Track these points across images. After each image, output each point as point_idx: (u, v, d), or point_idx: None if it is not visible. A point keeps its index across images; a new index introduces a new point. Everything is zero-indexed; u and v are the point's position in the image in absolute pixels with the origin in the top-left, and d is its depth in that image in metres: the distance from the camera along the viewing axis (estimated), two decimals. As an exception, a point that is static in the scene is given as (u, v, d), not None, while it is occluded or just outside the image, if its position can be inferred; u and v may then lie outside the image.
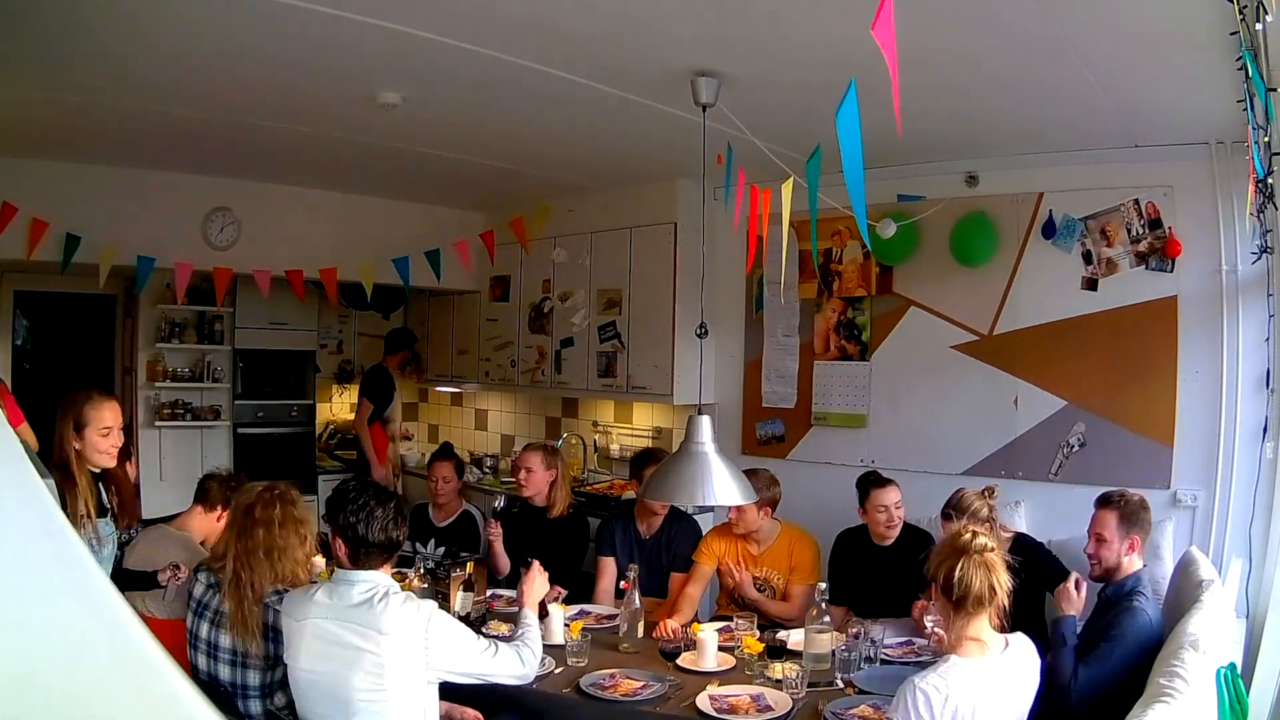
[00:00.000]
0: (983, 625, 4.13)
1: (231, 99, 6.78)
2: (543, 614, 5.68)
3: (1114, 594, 5.38)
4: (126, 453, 7.13)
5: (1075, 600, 5.52)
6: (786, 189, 5.41)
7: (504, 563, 7.49)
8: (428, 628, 4.25)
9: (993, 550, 4.16)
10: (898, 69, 3.11)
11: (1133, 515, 5.47)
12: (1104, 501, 5.65)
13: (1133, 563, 5.42)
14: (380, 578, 4.44)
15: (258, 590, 4.78)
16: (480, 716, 5.06)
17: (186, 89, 6.56)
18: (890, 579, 6.38)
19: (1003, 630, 4.24)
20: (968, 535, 4.19)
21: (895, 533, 6.69)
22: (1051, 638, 5.31)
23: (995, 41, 5.23)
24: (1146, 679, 4.73)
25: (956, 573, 4.07)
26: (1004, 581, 4.12)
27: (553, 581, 6.38)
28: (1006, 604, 4.22)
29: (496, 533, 7.45)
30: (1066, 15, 4.84)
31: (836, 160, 3.94)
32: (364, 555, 4.43)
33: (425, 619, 4.27)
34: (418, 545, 7.71)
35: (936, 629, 5.52)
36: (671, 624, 6.25)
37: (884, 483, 6.76)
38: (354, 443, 12.96)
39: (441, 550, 7.56)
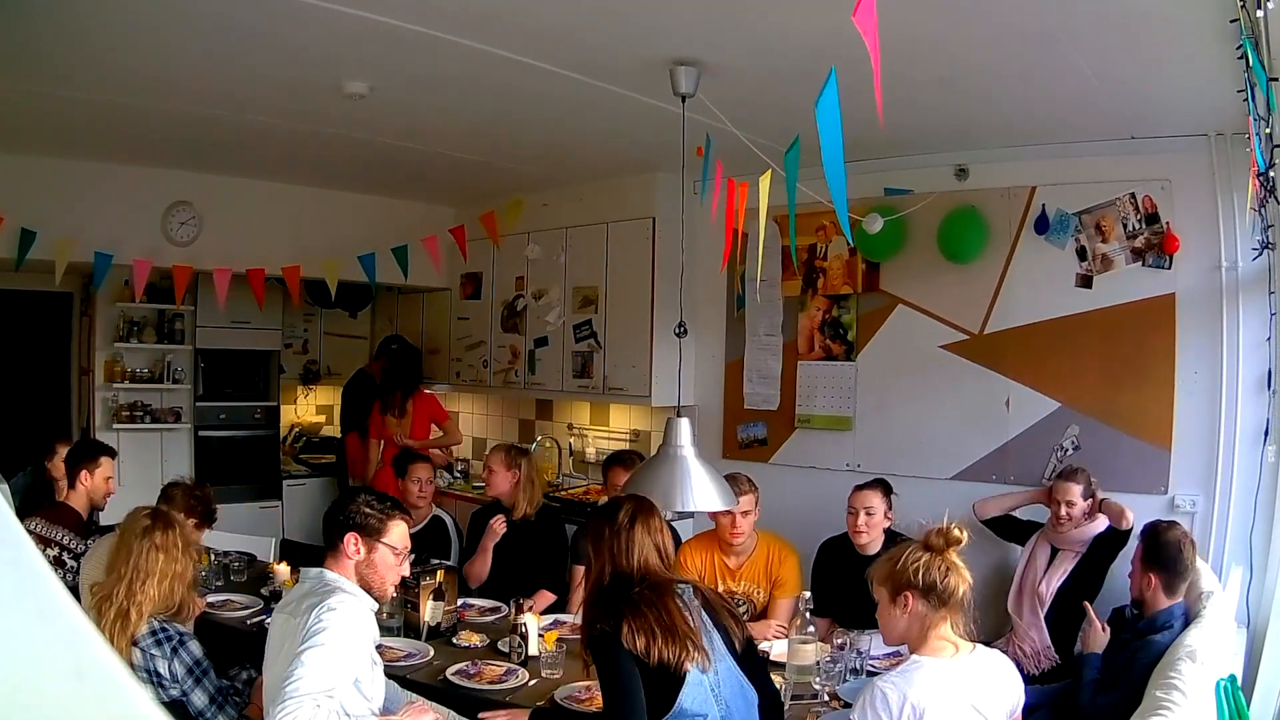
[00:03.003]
0: (949, 627, 4.21)
1: (192, 89, 6.73)
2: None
3: (1144, 626, 5.42)
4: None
5: (1100, 639, 5.66)
6: (764, 182, 5.39)
7: (486, 569, 7.49)
8: (304, 609, 4.19)
9: (956, 551, 4.23)
10: (882, 58, 3.10)
11: (1155, 553, 5.52)
12: (1142, 532, 5.82)
13: (1157, 599, 5.46)
14: (330, 576, 4.45)
15: (134, 624, 4.86)
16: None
17: (146, 79, 6.49)
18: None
19: (971, 638, 4.30)
20: (938, 539, 4.23)
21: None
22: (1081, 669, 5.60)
23: (986, 29, 5.20)
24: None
25: (936, 574, 4.16)
26: (969, 579, 4.22)
27: (521, 586, 6.41)
28: (970, 603, 4.32)
29: (500, 530, 7.46)
30: (1060, 1, 4.83)
31: (819, 152, 3.92)
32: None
33: (326, 606, 4.16)
34: None
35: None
36: None
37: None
38: (319, 446, 12.96)
39: (412, 557, 7.49)
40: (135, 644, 4.76)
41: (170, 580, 4.97)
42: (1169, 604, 5.42)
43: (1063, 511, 6.70)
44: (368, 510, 4.54)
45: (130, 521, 5.14)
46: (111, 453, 7.37)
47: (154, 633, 4.82)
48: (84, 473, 7.00)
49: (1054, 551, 6.79)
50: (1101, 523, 6.65)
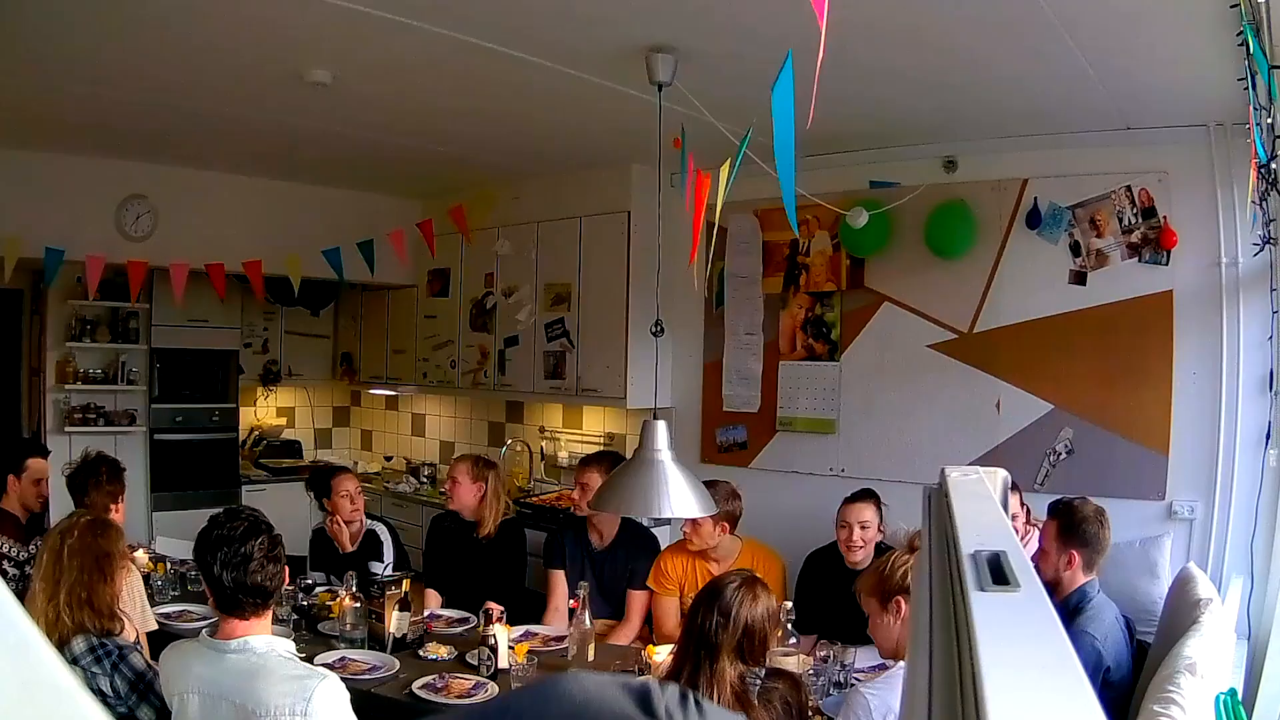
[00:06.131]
0: None
1: (147, 76, 6.67)
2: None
3: (1058, 614, 5.33)
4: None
5: None
6: (723, 171, 5.36)
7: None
8: (307, 709, 3.87)
9: None
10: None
11: (1074, 527, 5.46)
12: (1051, 509, 5.70)
13: (1074, 578, 5.40)
14: (258, 642, 4.11)
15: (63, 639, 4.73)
16: None
17: (97, 64, 6.45)
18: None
19: None
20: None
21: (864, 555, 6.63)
22: None
23: (975, 15, 5.17)
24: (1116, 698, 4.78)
25: None
26: None
27: (480, 604, 6.36)
28: None
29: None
30: (1054, -15, 4.82)
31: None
32: (233, 608, 4.15)
33: (306, 697, 3.89)
34: (332, 578, 7.47)
35: None
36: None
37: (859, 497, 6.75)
38: (280, 450, 12.96)
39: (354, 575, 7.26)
40: (75, 662, 4.70)
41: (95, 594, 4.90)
42: (1085, 581, 5.40)
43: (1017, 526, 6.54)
44: (275, 555, 4.18)
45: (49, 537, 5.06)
46: (41, 453, 7.32)
47: (92, 649, 4.71)
48: (10, 477, 6.95)
49: None
50: (1034, 540, 6.34)
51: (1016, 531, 6.13)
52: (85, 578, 4.81)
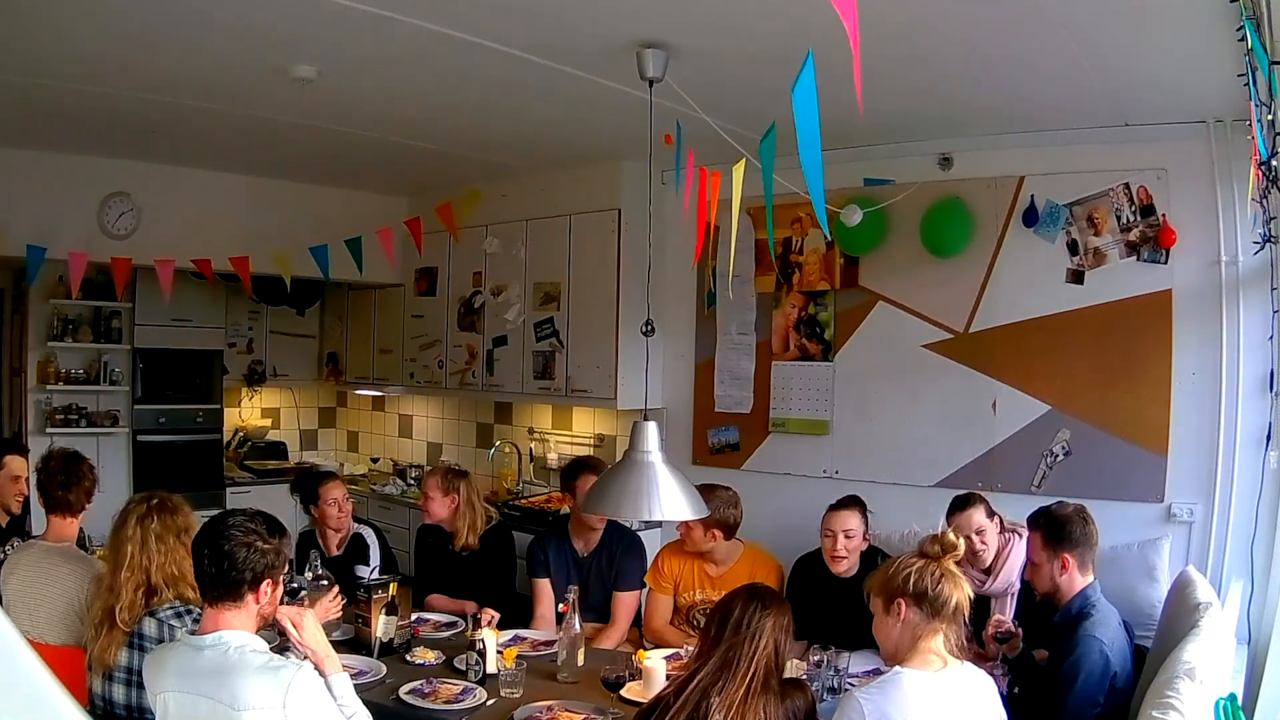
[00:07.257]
0: (941, 640, 4.23)
1: (129, 72, 6.63)
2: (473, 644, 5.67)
3: (1061, 620, 5.31)
4: None
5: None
6: (738, 171, 5.34)
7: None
8: (285, 701, 3.88)
9: (953, 559, 4.29)
10: (862, 40, 3.06)
11: (1058, 532, 5.38)
12: (1032, 521, 5.60)
13: (1072, 582, 5.33)
14: (233, 637, 4.06)
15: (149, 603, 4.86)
16: None
17: (80, 62, 6.43)
18: (854, 611, 6.11)
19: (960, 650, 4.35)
20: (934, 546, 4.26)
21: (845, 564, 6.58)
22: None
23: (971, 9, 5.15)
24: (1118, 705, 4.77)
25: (929, 581, 4.21)
26: (966, 590, 4.26)
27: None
28: (966, 616, 4.29)
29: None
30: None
31: (795, 140, 3.88)
32: (211, 592, 4.15)
33: (283, 689, 3.89)
34: None
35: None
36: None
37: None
38: (265, 451, 12.92)
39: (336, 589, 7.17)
40: (153, 615, 4.82)
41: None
42: (1084, 584, 5.33)
43: (976, 545, 6.33)
44: (266, 547, 4.19)
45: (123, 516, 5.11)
46: (20, 450, 7.28)
47: (174, 607, 4.88)
48: None
49: (986, 603, 6.33)
50: (1022, 547, 6.29)
51: (987, 547, 6.15)
52: (177, 556, 4.93)
